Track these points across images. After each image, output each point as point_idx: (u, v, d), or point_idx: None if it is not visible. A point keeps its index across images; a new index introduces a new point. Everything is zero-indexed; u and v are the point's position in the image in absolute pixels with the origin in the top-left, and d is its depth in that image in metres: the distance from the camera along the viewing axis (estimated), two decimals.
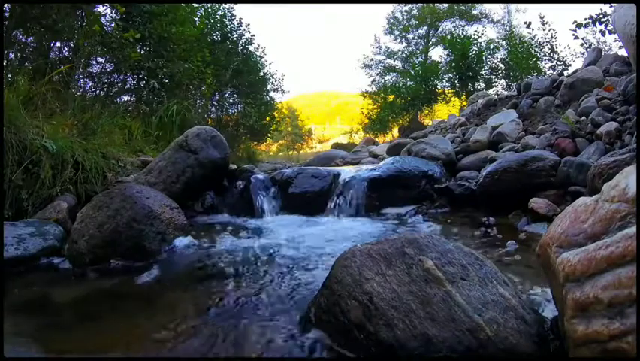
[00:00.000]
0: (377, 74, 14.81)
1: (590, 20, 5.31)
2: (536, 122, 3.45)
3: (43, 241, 1.78)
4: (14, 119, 2.09)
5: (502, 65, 11.31)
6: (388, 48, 15.43)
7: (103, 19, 4.45)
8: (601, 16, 5.16)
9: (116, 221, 1.72)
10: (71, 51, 4.33)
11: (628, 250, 0.64)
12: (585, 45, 6.89)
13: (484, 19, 14.77)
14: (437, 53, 15.15)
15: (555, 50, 8.49)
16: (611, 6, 4.67)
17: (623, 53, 3.99)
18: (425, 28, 15.22)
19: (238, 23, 8.83)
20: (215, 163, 2.80)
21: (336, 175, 2.82)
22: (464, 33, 12.77)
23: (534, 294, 1.16)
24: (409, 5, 15.21)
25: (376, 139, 11.07)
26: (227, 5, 8.65)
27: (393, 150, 4.48)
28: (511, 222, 2.09)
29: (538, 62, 9.47)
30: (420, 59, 14.44)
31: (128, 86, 5.29)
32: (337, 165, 4.68)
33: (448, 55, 12.07)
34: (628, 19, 1.98)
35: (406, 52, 15.24)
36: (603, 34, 5.39)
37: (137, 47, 4.79)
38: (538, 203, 2.01)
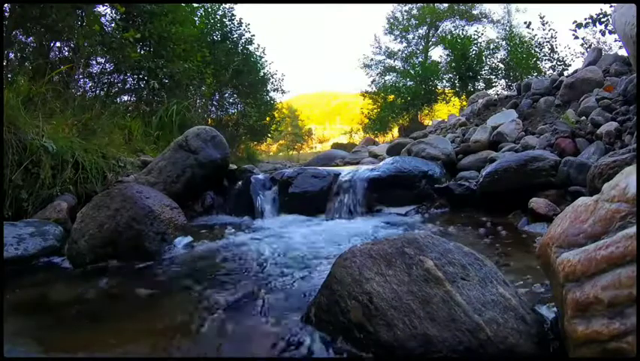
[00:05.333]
0: (377, 74, 14.84)
1: (590, 20, 5.31)
2: (536, 122, 3.45)
3: (43, 241, 1.78)
4: (14, 119, 2.09)
5: (502, 65, 11.33)
6: (388, 48, 15.46)
7: (103, 19, 4.46)
8: (601, 16, 5.16)
9: (116, 221, 1.71)
10: (71, 51, 4.33)
11: (628, 250, 0.64)
12: (585, 45, 6.90)
13: (484, 19, 14.79)
14: (437, 53, 15.19)
15: (555, 50, 8.51)
16: (611, 6, 4.67)
17: (623, 53, 3.99)
18: (425, 28, 15.23)
19: (238, 23, 8.84)
20: (215, 163, 2.80)
21: (336, 175, 2.81)
22: (464, 33, 12.79)
23: (534, 294, 1.16)
24: (409, 5, 15.23)
25: (376, 139, 11.07)
26: (227, 5, 8.67)
27: (393, 150, 4.48)
28: (511, 222, 2.09)
29: (538, 62, 9.49)
30: (420, 59, 14.44)
31: (128, 86, 5.29)
32: (337, 165, 4.67)
33: (448, 55, 12.09)
34: (628, 19, 1.98)
35: (406, 52, 15.26)
36: (603, 34, 5.39)
37: (137, 47, 4.79)
38: (538, 203, 2.01)
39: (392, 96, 12.73)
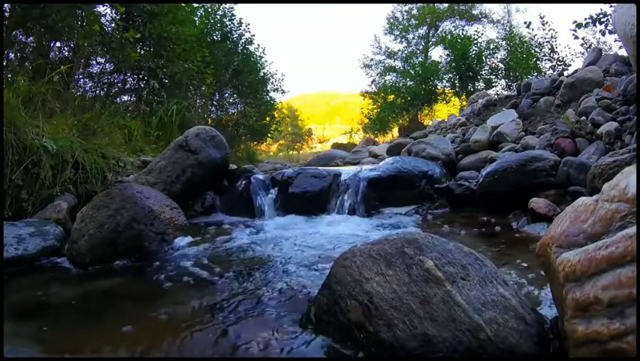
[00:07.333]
0: (377, 74, 14.83)
1: (590, 20, 5.30)
2: (536, 122, 3.45)
3: (43, 241, 1.78)
4: (14, 119, 2.09)
5: (502, 65, 11.31)
6: (388, 48, 15.45)
7: (103, 19, 4.45)
8: (601, 16, 5.15)
9: (116, 221, 1.71)
10: (71, 51, 4.33)
11: (628, 250, 0.64)
12: (585, 45, 6.89)
13: (484, 19, 14.78)
14: (437, 53, 15.15)
15: (555, 50, 8.49)
16: (611, 6, 4.67)
17: (623, 53, 3.99)
18: (425, 28, 15.22)
19: (238, 23, 8.84)
20: (215, 163, 2.80)
21: (336, 175, 2.82)
22: (464, 33, 12.78)
23: (534, 294, 1.16)
24: (409, 5, 15.22)
25: (376, 139, 11.07)
26: (227, 5, 8.66)
27: (393, 150, 4.48)
28: (511, 222, 2.09)
29: (538, 62, 9.48)
30: (420, 59, 14.43)
31: (128, 86, 5.29)
32: (337, 165, 4.68)
33: (448, 55, 12.07)
34: (628, 19, 1.98)
35: (406, 52, 15.24)
36: (603, 34, 5.39)
37: (137, 47, 4.79)
38: (538, 203, 2.01)
39: (392, 96, 12.72)
